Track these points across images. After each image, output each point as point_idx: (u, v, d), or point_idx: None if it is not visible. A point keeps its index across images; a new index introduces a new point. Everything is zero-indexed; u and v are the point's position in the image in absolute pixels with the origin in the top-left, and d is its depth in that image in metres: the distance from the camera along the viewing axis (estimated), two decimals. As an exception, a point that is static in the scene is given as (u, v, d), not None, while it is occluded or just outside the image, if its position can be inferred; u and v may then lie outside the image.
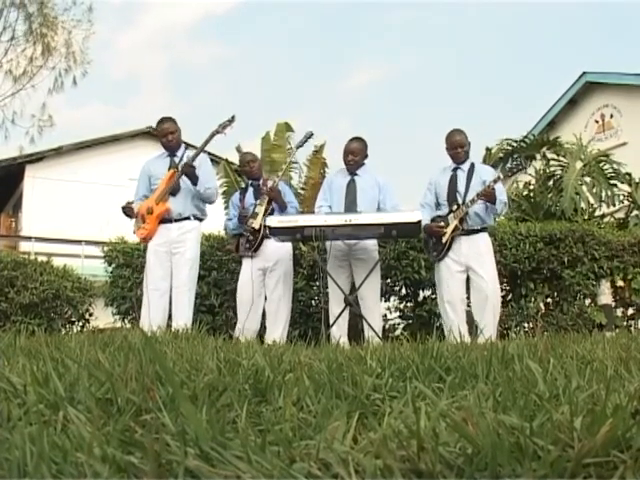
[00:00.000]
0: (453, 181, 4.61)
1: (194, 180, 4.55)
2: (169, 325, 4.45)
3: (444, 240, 4.48)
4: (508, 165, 5.06)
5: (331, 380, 1.48)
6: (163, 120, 4.77)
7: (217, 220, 5.68)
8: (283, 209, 4.81)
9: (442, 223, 4.51)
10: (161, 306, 4.53)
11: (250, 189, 5.02)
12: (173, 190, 4.59)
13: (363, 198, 4.69)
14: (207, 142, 4.75)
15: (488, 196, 4.35)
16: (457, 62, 56.39)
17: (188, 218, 4.64)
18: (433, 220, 4.59)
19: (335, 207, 4.73)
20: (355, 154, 4.78)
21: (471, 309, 4.56)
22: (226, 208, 7.48)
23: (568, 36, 60.04)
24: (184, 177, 4.57)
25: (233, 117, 4.82)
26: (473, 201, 4.40)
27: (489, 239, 4.60)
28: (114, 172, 15.12)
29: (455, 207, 4.50)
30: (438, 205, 4.67)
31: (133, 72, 36.35)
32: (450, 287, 4.46)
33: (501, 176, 4.55)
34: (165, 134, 4.71)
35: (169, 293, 4.56)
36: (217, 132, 4.76)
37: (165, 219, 4.58)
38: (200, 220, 4.75)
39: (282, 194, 4.86)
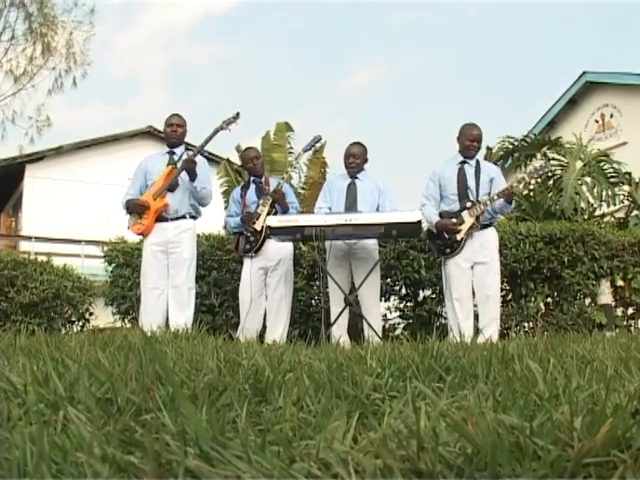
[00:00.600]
0: (462, 175, 4.57)
1: (193, 176, 4.56)
2: (168, 324, 4.45)
3: (459, 238, 4.45)
4: (533, 167, 5.07)
5: (331, 380, 1.48)
6: (173, 114, 4.87)
7: (217, 219, 5.68)
8: (286, 211, 4.81)
9: (454, 220, 4.47)
10: (159, 305, 4.54)
11: (252, 186, 5.01)
12: (171, 186, 4.61)
13: (363, 201, 4.70)
14: (210, 138, 4.75)
15: (508, 195, 4.38)
16: (457, 62, 56.39)
17: (184, 217, 4.66)
18: (441, 215, 4.56)
19: (335, 209, 4.73)
20: (356, 157, 4.81)
21: (477, 307, 4.54)
22: (226, 208, 7.48)
23: (568, 36, 60.05)
24: (182, 174, 4.58)
25: (238, 114, 4.83)
26: (492, 200, 4.39)
27: (496, 234, 4.61)
28: (114, 172, 15.12)
29: (469, 204, 4.45)
30: (441, 197, 4.62)
31: (133, 72, 36.36)
32: (460, 284, 4.44)
33: (527, 178, 4.54)
34: (170, 124, 4.78)
35: (167, 292, 4.57)
36: (221, 128, 4.77)
37: (161, 217, 4.59)
38: (195, 218, 4.77)
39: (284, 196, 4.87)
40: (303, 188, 9.58)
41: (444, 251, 4.52)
